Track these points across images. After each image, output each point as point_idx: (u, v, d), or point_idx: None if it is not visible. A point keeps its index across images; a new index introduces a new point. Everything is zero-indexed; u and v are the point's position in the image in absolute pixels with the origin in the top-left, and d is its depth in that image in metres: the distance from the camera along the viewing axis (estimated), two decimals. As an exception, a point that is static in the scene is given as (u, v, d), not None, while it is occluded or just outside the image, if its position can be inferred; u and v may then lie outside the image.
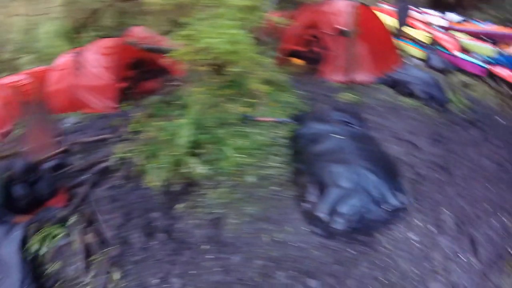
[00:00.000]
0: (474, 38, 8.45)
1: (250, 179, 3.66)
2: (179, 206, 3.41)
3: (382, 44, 7.37)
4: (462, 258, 3.22)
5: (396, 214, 3.29)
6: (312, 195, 3.28)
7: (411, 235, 3.29)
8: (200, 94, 4.17)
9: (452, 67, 8.03)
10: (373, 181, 3.21)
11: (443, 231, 3.47)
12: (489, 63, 7.65)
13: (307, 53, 7.76)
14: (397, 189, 3.37)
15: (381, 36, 7.42)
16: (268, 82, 5.32)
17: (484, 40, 8.25)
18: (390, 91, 6.30)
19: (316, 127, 4.21)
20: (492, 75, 7.68)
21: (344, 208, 3.05)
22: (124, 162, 3.75)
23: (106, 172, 3.71)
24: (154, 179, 3.48)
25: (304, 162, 3.71)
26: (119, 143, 4.01)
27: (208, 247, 3.04)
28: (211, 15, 4.19)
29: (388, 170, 3.59)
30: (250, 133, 4.16)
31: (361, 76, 6.71)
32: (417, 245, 3.22)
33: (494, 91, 7.32)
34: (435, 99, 5.81)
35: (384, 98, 5.97)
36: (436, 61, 8.10)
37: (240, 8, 4.26)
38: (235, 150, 3.83)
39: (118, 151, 3.81)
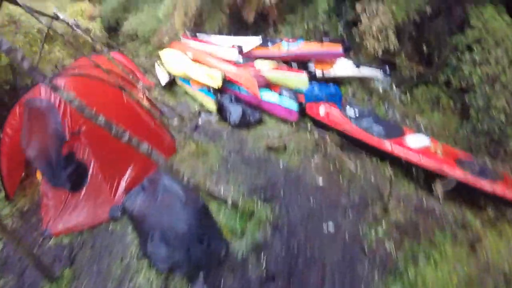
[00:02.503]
0: (282, 67, 5.74)
1: None
2: None
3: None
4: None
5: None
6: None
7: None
8: None
9: (257, 116, 5.26)
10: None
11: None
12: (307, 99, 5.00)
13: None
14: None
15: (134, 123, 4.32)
16: None
17: (295, 67, 5.58)
18: (129, 238, 3.32)
19: None
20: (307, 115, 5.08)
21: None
22: None
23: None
24: None
25: None
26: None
27: None
28: None
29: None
30: None
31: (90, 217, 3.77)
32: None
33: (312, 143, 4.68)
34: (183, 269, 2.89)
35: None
36: (235, 115, 5.27)
37: None
38: None
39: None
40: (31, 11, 3.95)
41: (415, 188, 4.09)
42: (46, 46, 6.28)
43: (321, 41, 5.51)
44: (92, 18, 8.62)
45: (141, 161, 4.24)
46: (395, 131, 4.18)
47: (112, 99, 4.24)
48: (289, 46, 5.78)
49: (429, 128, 5.19)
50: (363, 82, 5.85)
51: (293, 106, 4.90)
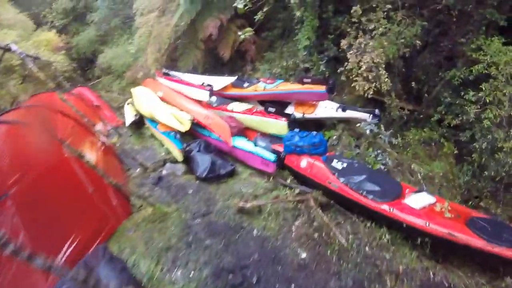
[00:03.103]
0: (259, 110, 4.95)
1: None
2: None
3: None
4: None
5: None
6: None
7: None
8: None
9: (228, 168, 4.40)
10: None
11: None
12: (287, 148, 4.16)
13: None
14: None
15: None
16: None
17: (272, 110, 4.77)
18: None
19: None
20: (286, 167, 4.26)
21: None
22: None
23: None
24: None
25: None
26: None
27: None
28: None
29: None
30: None
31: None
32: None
33: (292, 202, 3.81)
34: None
35: None
36: (202, 166, 4.39)
37: None
38: None
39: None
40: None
41: (418, 256, 3.25)
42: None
43: (302, 81, 4.79)
44: (57, 49, 7.77)
45: (86, 231, 3.32)
46: (392, 190, 3.38)
47: (45, 155, 3.33)
48: (266, 87, 5.03)
49: (427, 177, 4.45)
50: (349, 124, 5.12)
51: (270, 156, 4.07)
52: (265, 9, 4.33)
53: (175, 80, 6.27)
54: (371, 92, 4.48)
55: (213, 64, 7.03)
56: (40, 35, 7.89)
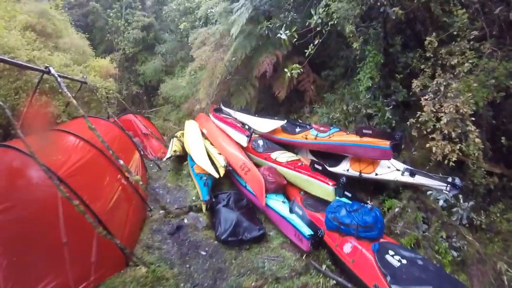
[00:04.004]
0: (306, 167, 4.06)
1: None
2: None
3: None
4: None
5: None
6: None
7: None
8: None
9: (254, 233, 3.56)
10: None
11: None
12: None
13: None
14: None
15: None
16: None
17: (320, 172, 3.82)
18: None
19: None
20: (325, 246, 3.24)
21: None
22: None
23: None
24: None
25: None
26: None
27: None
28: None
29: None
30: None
31: None
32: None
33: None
34: None
35: None
36: (224, 225, 3.63)
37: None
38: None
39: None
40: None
41: None
42: (44, 98, 5.46)
43: (361, 132, 3.81)
44: (107, 76, 7.93)
45: (60, 279, 2.79)
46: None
47: (39, 191, 2.95)
48: (318, 135, 4.17)
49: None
50: (417, 191, 3.94)
51: (305, 231, 3.14)
52: (316, 42, 3.57)
53: (220, 118, 5.76)
54: (454, 158, 3.32)
55: (270, 102, 6.39)
56: (95, 61, 8.11)
